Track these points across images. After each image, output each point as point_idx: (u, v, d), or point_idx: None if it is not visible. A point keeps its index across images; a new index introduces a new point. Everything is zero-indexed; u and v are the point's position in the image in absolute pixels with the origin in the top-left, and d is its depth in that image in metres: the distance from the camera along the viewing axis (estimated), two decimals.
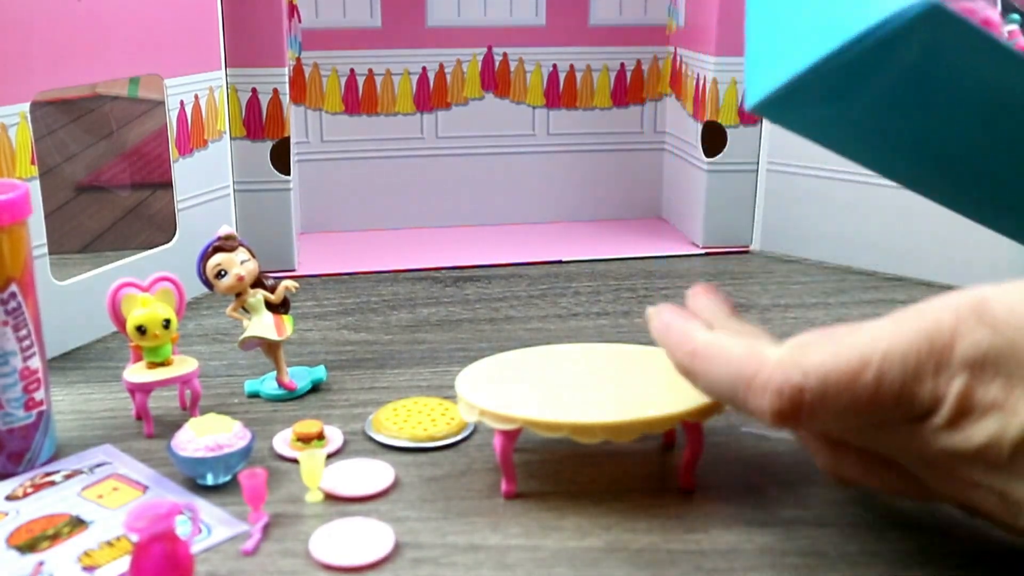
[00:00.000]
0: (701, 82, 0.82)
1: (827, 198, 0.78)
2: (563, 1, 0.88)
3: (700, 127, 0.82)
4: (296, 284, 0.55)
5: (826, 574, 0.38)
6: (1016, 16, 0.39)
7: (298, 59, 0.85)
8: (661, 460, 0.48)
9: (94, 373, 0.58)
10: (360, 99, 0.88)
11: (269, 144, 0.76)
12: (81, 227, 0.88)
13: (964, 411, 0.32)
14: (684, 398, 0.43)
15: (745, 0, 0.39)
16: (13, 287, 0.45)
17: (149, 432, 0.50)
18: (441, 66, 0.88)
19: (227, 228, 0.53)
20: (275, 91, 0.75)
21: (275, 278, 0.55)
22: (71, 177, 0.93)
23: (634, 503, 0.44)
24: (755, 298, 0.71)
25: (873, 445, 0.37)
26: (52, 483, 0.45)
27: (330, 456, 0.47)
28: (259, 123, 0.76)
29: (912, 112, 0.37)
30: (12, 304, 0.45)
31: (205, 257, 0.52)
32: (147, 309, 0.50)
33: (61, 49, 0.59)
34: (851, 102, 0.36)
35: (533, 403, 0.43)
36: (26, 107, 0.57)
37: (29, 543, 0.40)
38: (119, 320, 0.51)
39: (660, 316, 0.41)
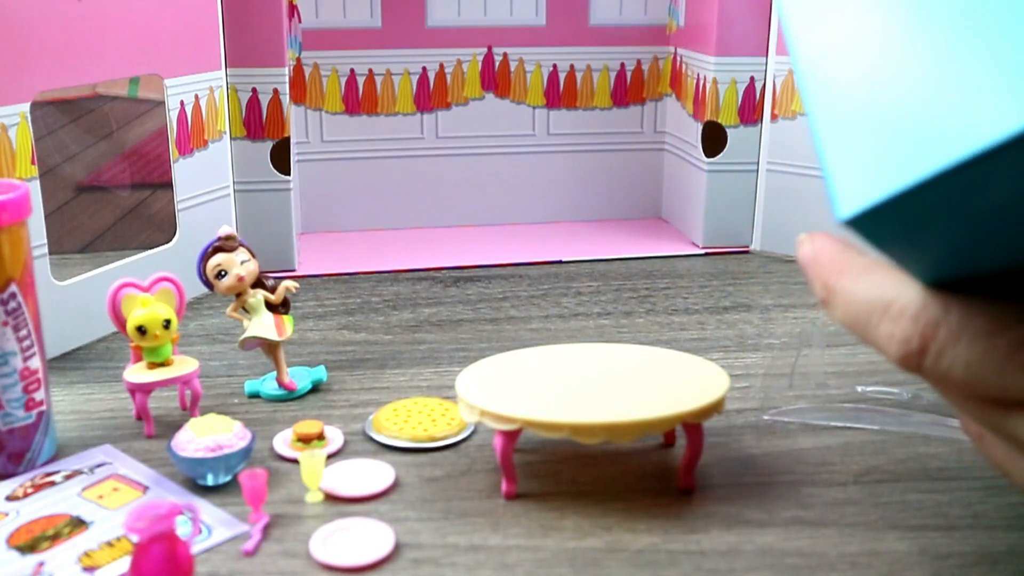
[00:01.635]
0: (701, 82, 0.82)
1: (827, 198, 0.77)
2: (563, 1, 0.88)
3: (700, 127, 0.82)
4: (296, 284, 0.55)
5: (826, 574, 0.38)
6: None
7: (298, 59, 0.85)
8: (661, 460, 0.48)
9: (94, 373, 0.58)
10: (360, 99, 0.88)
11: (269, 144, 0.76)
12: (81, 227, 0.87)
13: None
14: (684, 398, 0.43)
15: (798, 81, 0.30)
16: (13, 287, 0.45)
17: (149, 432, 0.50)
18: (441, 66, 0.88)
19: (227, 228, 0.53)
20: (275, 91, 0.75)
21: (275, 278, 0.55)
22: (71, 177, 0.93)
23: (634, 503, 0.44)
24: (756, 298, 0.71)
25: (993, 428, 0.31)
26: (52, 483, 0.45)
27: (330, 456, 0.47)
28: (259, 123, 0.76)
29: None
30: (12, 304, 0.45)
31: (205, 257, 0.52)
32: (147, 309, 0.50)
33: (61, 49, 0.59)
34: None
35: (533, 403, 0.43)
36: (26, 107, 0.57)
37: (29, 543, 0.40)
38: (119, 320, 0.51)
39: (813, 241, 0.36)
